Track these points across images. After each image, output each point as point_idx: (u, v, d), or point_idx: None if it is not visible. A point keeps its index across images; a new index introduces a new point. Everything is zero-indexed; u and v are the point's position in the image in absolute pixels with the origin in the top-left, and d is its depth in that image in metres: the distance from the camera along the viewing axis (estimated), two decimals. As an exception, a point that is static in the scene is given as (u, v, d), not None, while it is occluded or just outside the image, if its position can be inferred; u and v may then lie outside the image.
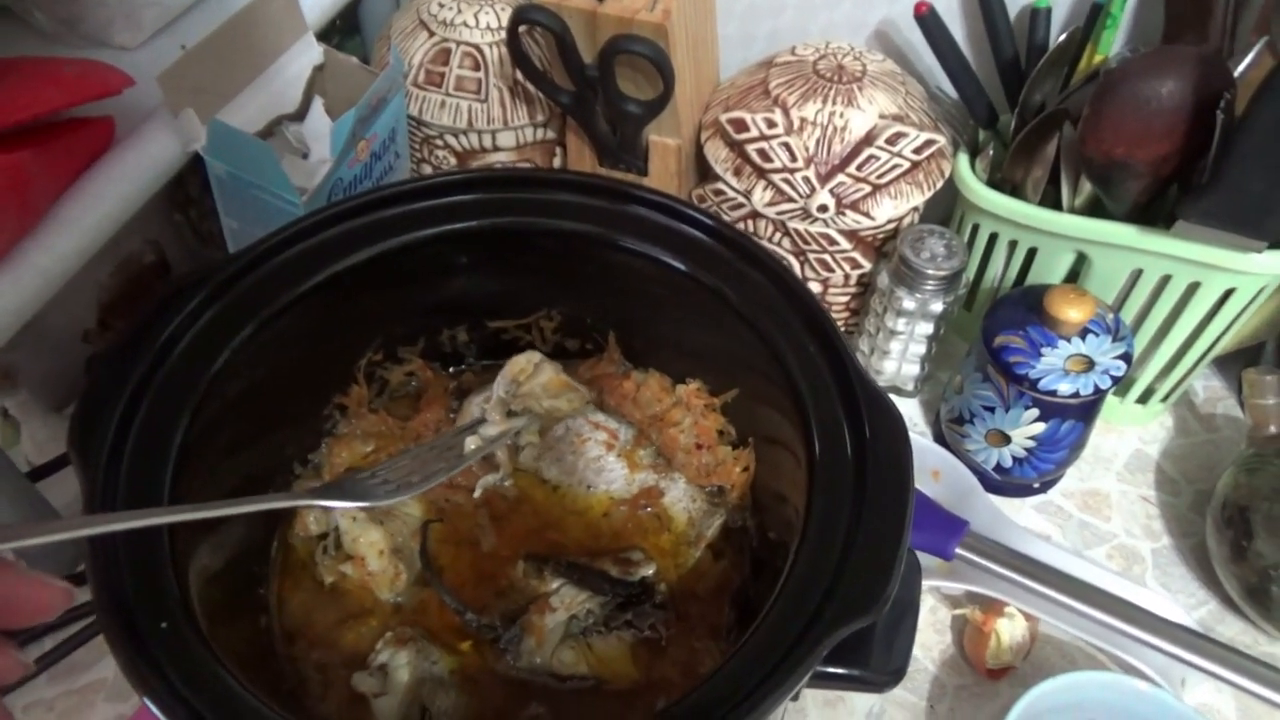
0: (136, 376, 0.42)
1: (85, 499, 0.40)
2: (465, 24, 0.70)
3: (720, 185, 0.70)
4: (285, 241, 0.47)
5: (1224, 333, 0.65)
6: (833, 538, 0.40)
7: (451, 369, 0.59)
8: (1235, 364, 0.74)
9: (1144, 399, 0.71)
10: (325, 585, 0.50)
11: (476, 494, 0.53)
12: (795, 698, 0.42)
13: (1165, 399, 0.71)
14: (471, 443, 0.52)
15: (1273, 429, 0.63)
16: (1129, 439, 0.73)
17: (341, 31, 0.84)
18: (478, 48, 0.70)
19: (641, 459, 0.54)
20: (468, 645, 0.48)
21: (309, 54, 0.68)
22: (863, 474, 0.41)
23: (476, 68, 0.70)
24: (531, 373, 0.55)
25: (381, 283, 0.50)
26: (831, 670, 0.40)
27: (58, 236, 0.55)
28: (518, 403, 0.54)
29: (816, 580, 0.39)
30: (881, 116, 0.65)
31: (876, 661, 0.41)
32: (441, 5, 0.71)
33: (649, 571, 0.49)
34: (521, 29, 0.63)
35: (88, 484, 0.40)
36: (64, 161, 0.56)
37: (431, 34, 0.70)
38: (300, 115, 0.68)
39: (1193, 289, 0.62)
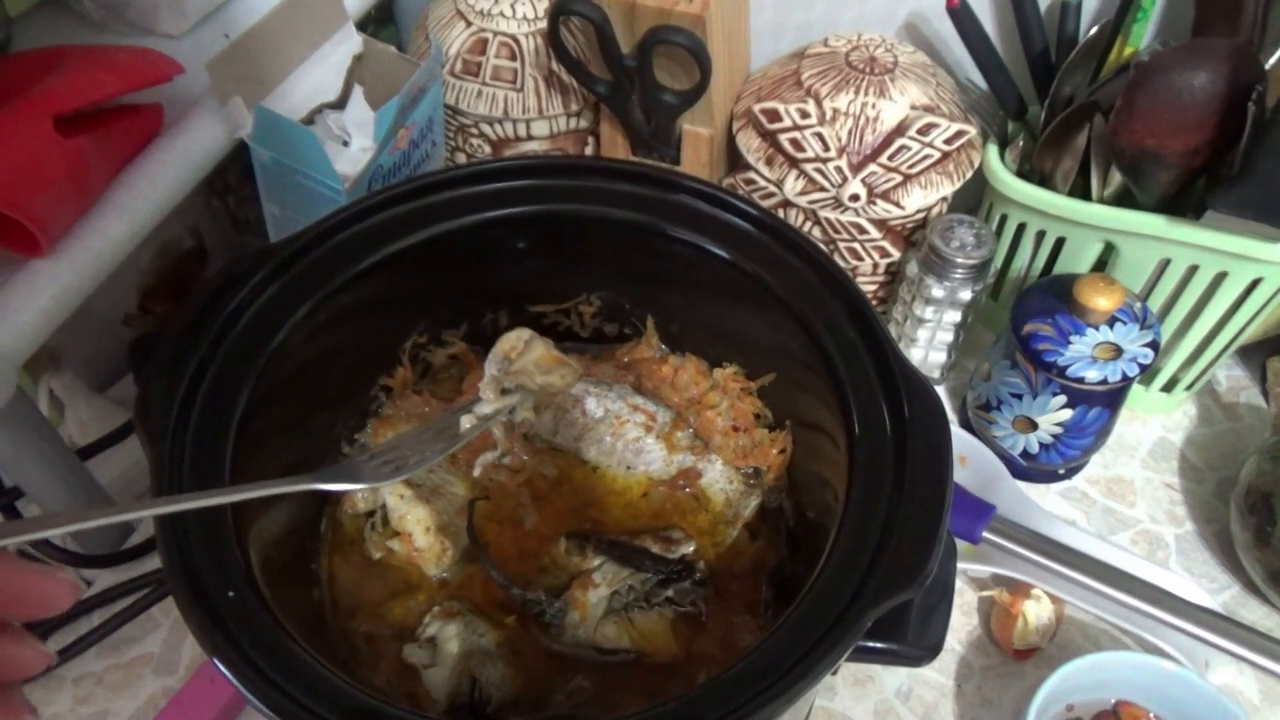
0: (199, 354, 0.43)
1: (153, 472, 0.41)
2: (502, 14, 0.71)
3: (751, 174, 0.71)
4: (339, 225, 0.48)
5: (1249, 322, 0.66)
6: (874, 516, 0.41)
7: (492, 352, 0.60)
8: (1258, 354, 0.75)
9: (1168, 388, 0.72)
10: (374, 560, 0.52)
11: (476, 472, 0.53)
12: (835, 671, 0.43)
13: (1189, 388, 0.72)
14: (466, 422, 0.52)
15: (1297, 417, 0.64)
16: (1153, 427, 0.74)
17: (377, 21, 0.86)
18: (514, 38, 0.71)
19: (679, 441, 0.55)
20: (513, 619, 0.49)
21: (349, 43, 0.70)
22: (902, 455, 0.42)
23: (513, 57, 0.71)
24: (522, 349, 0.55)
25: (429, 266, 0.51)
26: (871, 645, 0.41)
27: (111, 220, 0.57)
28: (510, 380, 0.54)
29: (859, 557, 0.40)
30: (913, 107, 0.66)
31: (913, 637, 0.42)
32: (479, -5, 0.72)
33: (689, 549, 0.51)
34: (561, 18, 0.64)
35: (155, 458, 0.41)
36: (117, 147, 0.58)
37: (469, 24, 0.71)
38: (340, 103, 0.70)
39: (1220, 279, 0.63)
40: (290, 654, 0.38)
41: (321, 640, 0.48)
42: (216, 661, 0.36)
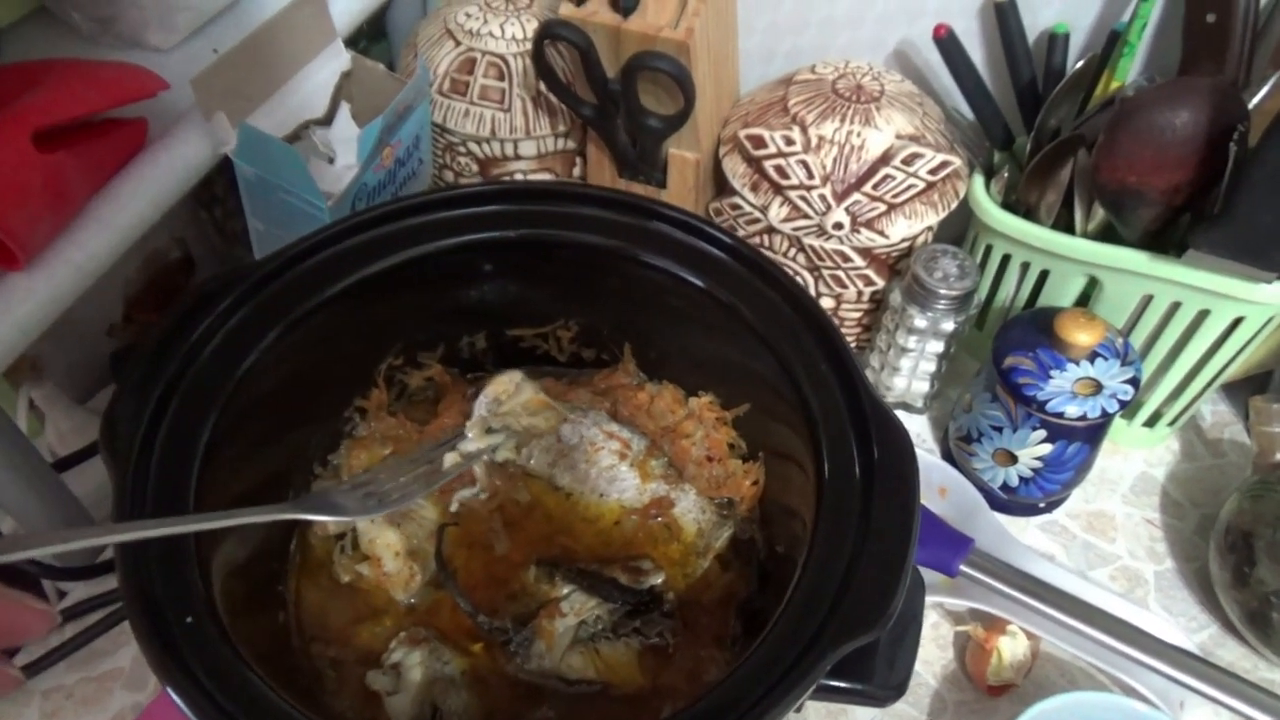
0: (167, 375, 0.43)
1: (115, 494, 0.41)
2: (491, 34, 0.71)
3: (737, 200, 0.71)
4: (314, 247, 0.48)
5: (1232, 360, 0.65)
6: (839, 553, 0.41)
7: (469, 375, 0.60)
8: (1243, 390, 0.75)
9: (1151, 423, 0.72)
10: (342, 584, 0.51)
11: (453, 508, 0.54)
12: (798, 709, 0.43)
13: (1172, 423, 0.72)
14: (450, 459, 0.53)
15: (1278, 456, 0.64)
16: (1135, 462, 0.74)
17: (368, 36, 0.86)
18: (503, 58, 0.71)
19: (653, 469, 0.55)
20: (479, 647, 0.49)
21: (337, 60, 0.70)
22: (870, 492, 0.42)
23: (501, 77, 0.71)
24: (513, 392, 0.56)
25: (405, 289, 0.51)
26: (835, 684, 0.41)
27: (92, 234, 0.57)
28: (497, 420, 0.55)
29: (822, 595, 0.40)
30: (898, 136, 0.66)
31: (879, 676, 0.42)
32: (468, 15, 0.72)
33: (658, 580, 0.50)
34: (546, 42, 0.64)
35: (118, 479, 0.41)
36: (100, 161, 0.58)
37: (458, 43, 0.72)
38: (327, 120, 0.70)
39: (1202, 316, 0.63)
40: (246, 683, 0.37)
41: (285, 664, 0.48)
42: (169, 689, 0.36)
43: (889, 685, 0.42)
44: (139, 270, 0.80)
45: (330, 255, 0.49)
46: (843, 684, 0.41)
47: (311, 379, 0.51)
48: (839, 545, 0.41)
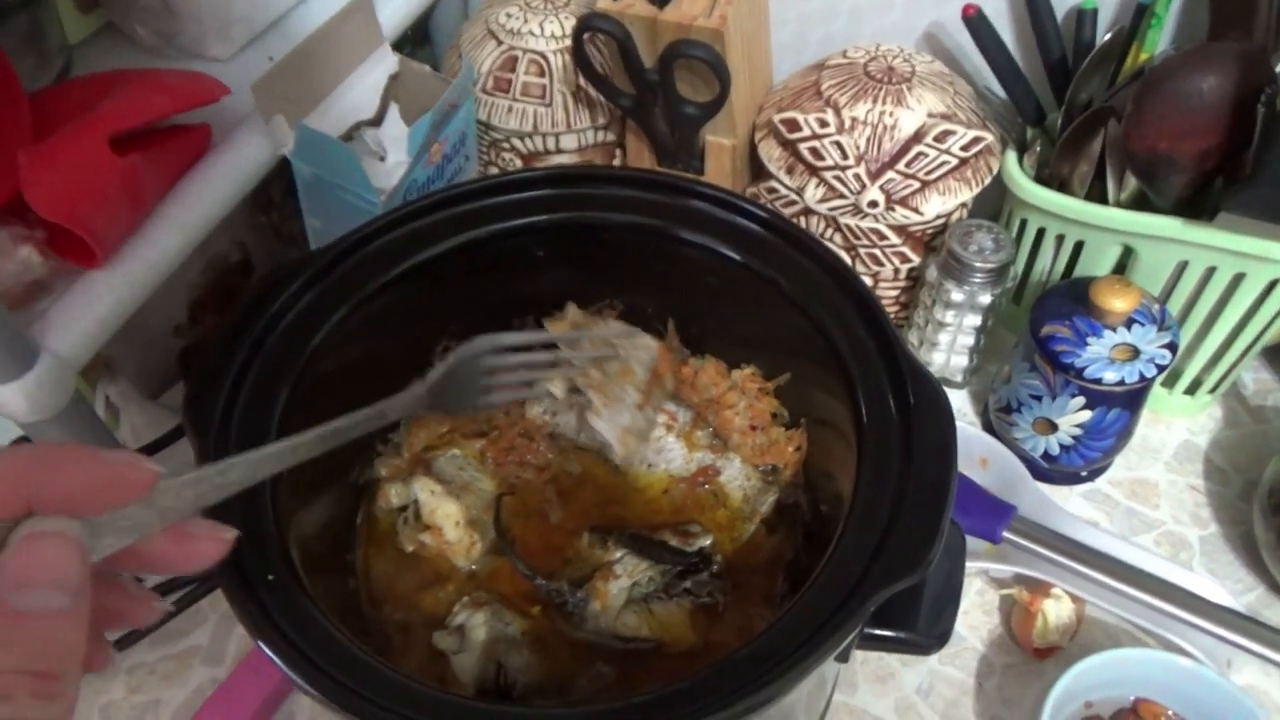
0: (242, 355, 0.46)
1: (198, 465, 0.44)
2: (531, 33, 0.74)
3: (773, 183, 0.72)
4: (376, 232, 0.51)
5: (1270, 323, 0.66)
6: (880, 504, 0.42)
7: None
8: (1285, 356, 0.75)
9: (1192, 390, 0.73)
10: (406, 553, 0.54)
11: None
12: (843, 658, 0.44)
13: (1213, 390, 0.72)
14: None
15: (1320, 418, 0.64)
16: (1177, 430, 0.74)
17: (413, 41, 0.89)
18: (543, 55, 0.74)
19: (699, 440, 0.57)
20: (538, 609, 0.51)
21: (385, 64, 0.73)
22: (908, 447, 0.44)
23: (541, 74, 0.74)
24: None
25: (460, 272, 0.54)
26: (880, 632, 0.43)
27: (163, 233, 0.60)
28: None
29: (864, 545, 0.41)
30: (930, 115, 0.68)
31: (923, 626, 0.44)
32: (509, 15, 0.75)
33: (706, 542, 0.52)
34: (586, 35, 0.67)
35: (200, 451, 0.44)
36: (169, 164, 0.61)
37: (500, 43, 0.74)
38: (377, 120, 0.73)
39: (1238, 280, 0.63)
40: (327, 635, 0.40)
41: (357, 627, 0.50)
42: (259, 642, 0.39)
43: (931, 634, 0.44)
44: (202, 273, 0.83)
45: (388, 241, 0.52)
46: (888, 632, 0.43)
47: (374, 358, 0.54)
48: (880, 497, 0.43)
